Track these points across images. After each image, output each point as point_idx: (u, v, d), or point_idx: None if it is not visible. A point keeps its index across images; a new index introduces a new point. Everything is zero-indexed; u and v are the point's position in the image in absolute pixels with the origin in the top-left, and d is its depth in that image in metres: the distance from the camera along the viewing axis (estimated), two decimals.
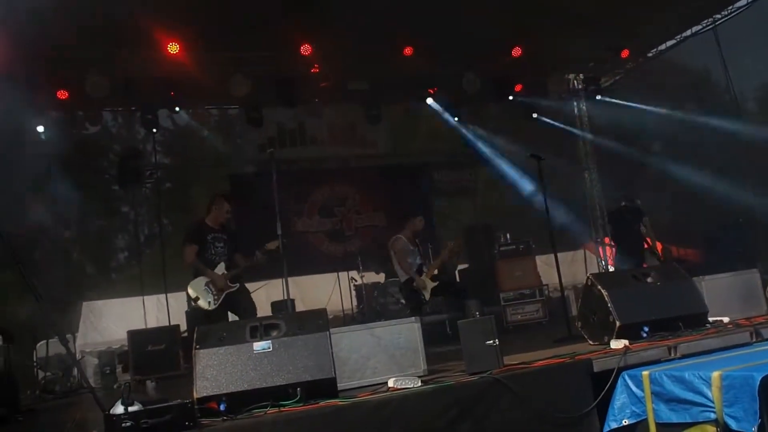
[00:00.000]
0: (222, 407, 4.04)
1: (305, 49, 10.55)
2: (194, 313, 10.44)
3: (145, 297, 11.72)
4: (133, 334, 9.38)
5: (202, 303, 7.56)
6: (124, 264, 13.22)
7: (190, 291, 7.64)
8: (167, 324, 10.65)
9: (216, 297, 7.58)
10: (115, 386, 8.70)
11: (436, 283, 8.95)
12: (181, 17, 9.29)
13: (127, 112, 12.40)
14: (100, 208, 12.67)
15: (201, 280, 7.64)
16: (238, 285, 7.79)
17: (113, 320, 11.87)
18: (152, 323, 11.27)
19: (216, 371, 4.19)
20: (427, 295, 8.89)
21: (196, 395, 4.10)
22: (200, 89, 11.23)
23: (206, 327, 4.49)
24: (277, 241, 7.57)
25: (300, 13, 9.46)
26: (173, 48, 9.90)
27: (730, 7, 11.48)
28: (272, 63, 11.11)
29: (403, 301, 10.70)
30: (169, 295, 11.35)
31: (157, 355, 9.16)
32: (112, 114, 12.48)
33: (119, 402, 3.57)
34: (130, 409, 3.53)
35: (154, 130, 11.83)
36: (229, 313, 7.82)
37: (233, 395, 4.12)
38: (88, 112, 11.45)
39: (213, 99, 12.45)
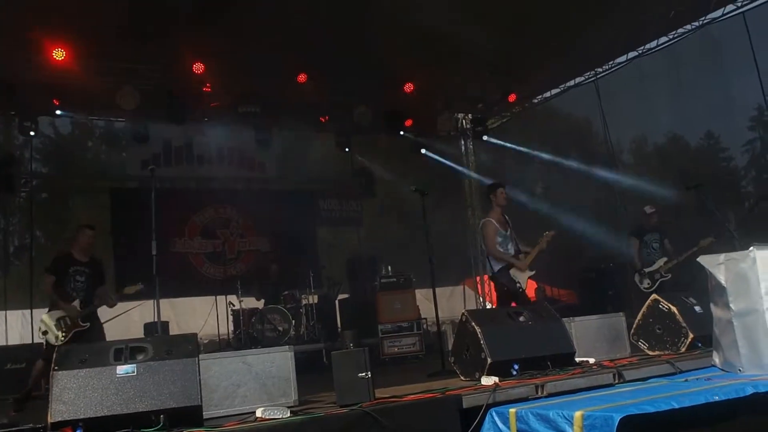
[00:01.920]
0: None
1: (198, 68, 10.38)
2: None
3: (8, 312, 11.08)
4: None
5: (50, 337, 7.37)
6: None
7: (42, 322, 7.48)
8: (30, 341, 10.06)
9: (65, 333, 7.38)
10: None
11: (533, 272, 8.13)
12: (71, 22, 8.96)
13: (5, 116, 11.78)
14: None
15: (54, 314, 7.46)
16: (88, 324, 7.57)
17: None
18: (14, 340, 10.68)
19: (74, 395, 3.98)
20: (524, 284, 8.04)
21: (50, 419, 3.88)
22: (86, 98, 10.83)
23: (68, 347, 4.28)
24: (137, 285, 7.67)
25: (196, 30, 9.33)
26: (59, 54, 9.50)
27: (611, 62, 12.07)
28: (164, 78, 10.86)
29: (280, 328, 10.59)
30: (35, 310, 10.74)
31: (16, 373, 8.67)
32: None
33: None
34: None
35: (32, 134, 11.19)
36: None
37: (91, 421, 3.92)
38: None
39: (99, 110, 11.97)
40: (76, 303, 7.53)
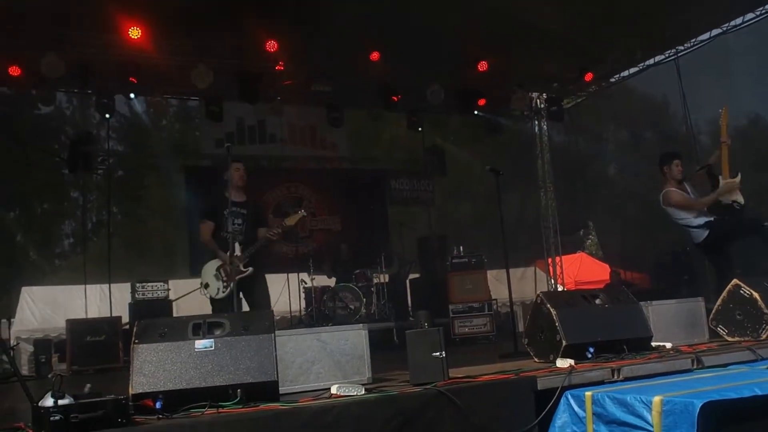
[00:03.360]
0: (158, 405, 3.89)
1: (271, 46, 10.44)
2: (160, 304, 10.31)
3: (88, 286, 11.45)
4: (72, 324, 9.14)
5: (211, 290, 7.01)
6: (68, 251, 12.98)
7: (202, 275, 7.07)
8: (109, 315, 10.38)
9: (225, 284, 6.92)
10: (49, 376, 8.46)
11: (738, 176, 7.46)
12: (146, 1, 9.12)
13: (82, 95, 12.10)
14: (47, 191, 12.37)
15: (213, 264, 7.04)
16: (251, 269, 6.95)
17: (53, 308, 11.59)
18: (93, 313, 11.01)
19: (154, 367, 4.06)
20: (740, 198, 7.41)
21: (131, 391, 3.96)
22: (160, 77, 11.04)
23: (147, 321, 4.35)
24: (298, 215, 7.14)
25: (270, 8, 9.38)
26: (135, 33, 9.68)
27: (693, 40, 11.66)
28: (237, 56, 10.97)
29: (351, 306, 10.67)
30: (112, 285, 11.10)
31: (96, 346, 8.96)
32: (67, 95, 12.20)
33: (49, 394, 3.42)
34: (60, 402, 3.36)
35: (107, 116, 11.49)
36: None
37: (171, 393, 3.99)
38: (42, 92, 11.13)
39: (173, 88, 12.20)
40: (237, 247, 6.90)
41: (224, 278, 6.93)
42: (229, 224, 6.71)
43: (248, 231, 7.10)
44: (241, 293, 6.96)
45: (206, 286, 7.01)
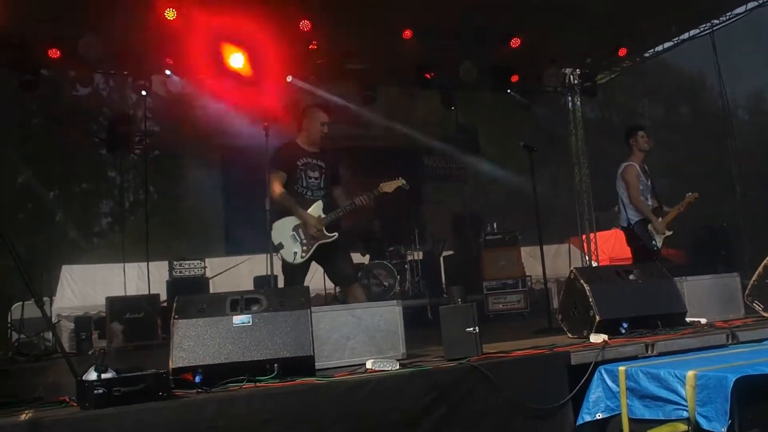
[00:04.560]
0: (197, 379, 4.01)
1: (304, 25, 10.46)
2: (197, 281, 10.32)
3: (127, 264, 11.64)
4: (111, 301, 9.32)
5: (286, 253, 6.01)
6: (106, 230, 13.20)
7: (273, 235, 6.04)
8: (147, 293, 10.57)
9: (305, 248, 6.00)
10: (89, 352, 8.66)
11: (671, 232, 7.76)
12: None
13: (119, 76, 12.24)
14: (86, 171, 12.59)
15: (288, 222, 6.05)
16: (336, 235, 6.13)
17: (92, 286, 11.82)
18: (132, 291, 11.21)
19: (193, 342, 4.17)
20: (660, 243, 7.66)
21: (171, 365, 4.07)
22: (197, 57, 11.10)
23: (186, 297, 4.45)
24: (398, 181, 6.33)
25: None
26: (170, 14, 9.76)
27: (729, 13, 11.41)
28: (270, 36, 10.99)
29: (386, 283, 10.74)
30: (150, 263, 11.28)
31: (136, 323, 9.12)
32: (104, 77, 12.33)
33: (92, 368, 3.54)
34: (103, 376, 3.48)
35: (144, 93, 11.58)
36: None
37: (210, 368, 4.10)
38: (80, 74, 11.27)
39: (209, 69, 12.26)
40: (318, 206, 6.10)
41: (303, 240, 6.01)
42: (304, 178, 6.09)
43: (326, 187, 6.28)
44: (317, 262, 6.26)
45: (279, 247, 6.02)
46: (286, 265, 6.08)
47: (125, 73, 11.74)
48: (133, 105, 12.64)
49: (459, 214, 13.72)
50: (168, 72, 11.24)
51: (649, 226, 7.61)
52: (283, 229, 6.05)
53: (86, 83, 11.51)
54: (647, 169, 7.86)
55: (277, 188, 6.05)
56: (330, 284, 10.97)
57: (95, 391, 3.43)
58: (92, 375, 3.50)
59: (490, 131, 14.51)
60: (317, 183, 6.22)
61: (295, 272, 6.09)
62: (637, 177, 7.66)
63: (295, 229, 6.03)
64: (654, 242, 7.60)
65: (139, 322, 9.16)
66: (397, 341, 5.03)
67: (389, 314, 5.08)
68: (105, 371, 3.51)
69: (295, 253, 6.00)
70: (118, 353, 8.63)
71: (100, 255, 12.43)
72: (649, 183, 7.83)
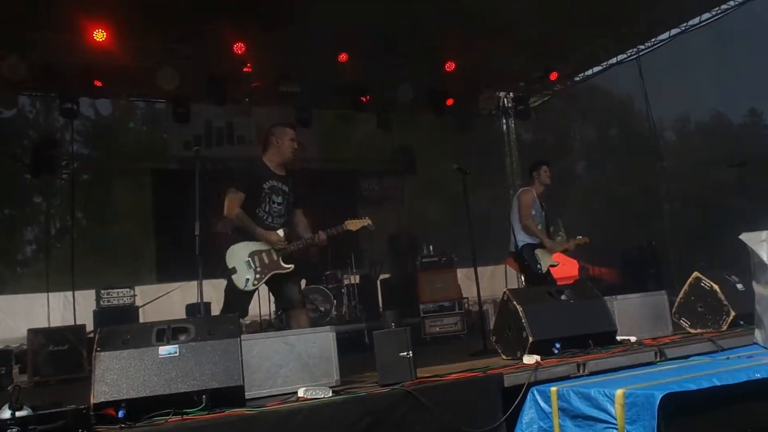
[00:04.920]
0: (121, 414, 3.85)
1: (238, 47, 10.40)
2: (126, 311, 9.99)
3: (51, 294, 11.24)
4: (34, 333, 8.75)
5: (237, 279, 5.72)
6: (30, 258, 12.74)
7: (227, 258, 5.74)
8: (72, 323, 10.19)
9: (258, 275, 5.75)
10: (9, 388, 8.27)
11: (557, 264, 7.94)
12: (110, 3, 9.02)
13: (46, 98, 11.93)
14: (9, 196, 12.15)
15: (245, 247, 5.78)
16: (291, 267, 5.87)
17: (12, 317, 11.37)
18: (57, 322, 10.77)
19: (117, 375, 4.00)
20: (545, 267, 7.78)
21: (93, 400, 3.90)
22: (127, 80, 10.94)
23: (110, 328, 4.30)
24: (364, 220, 6.18)
25: (237, 10, 9.33)
26: (99, 35, 9.57)
27: (654, 39, 11.90)
28: (204, 58, 10.89)
29: (322, 308, 10.64)
30: (77, 292, 10.92)
31: (60, 355, 8.69)
32: (30, 99, 12.00)
33: (6, 406, 3.36)
34: (18, 414, 3.32)
35: (71, 116, 11.29)
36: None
37: (134, 401, 3.94)
38: (4, 95, 10.94)
39: (140, 91, 12.08)
40: (281, 233, 5.83)
41: (258, 268, 5.77)
42: (268, 203, 5.85)
43: (288, 215, 6.02)
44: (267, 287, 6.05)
45: (232, 271, 5.74)
46: (233, 289, 5.79)
47: (52, 95, 11.47)
48: (61, 128, 12.32)
49: (396, 237, 13.72)
50: (95, 97, 11.04)
51: (536, 251, 7.78)
52: (239, 254, 5.79)
53: (10, 105, 11.20)
54: (544, 205, 8.09)
55: (234, 208, 5.76)
56: (265, 310, 10.86)
57: (9, 431, 3.26)
58: (6, 413, 3.32)
59: (427, 153, 14.56)
60: (279, 210, 6.00)
61: (241, 299, 5.85)
62: (532, 201, 7.86)
63: (251, 255, 5.80)
64: (539, 266, 7.76)
65: (64, 355, 8.71)
66: (330, 368, 4.96)
67: (323, 341, 5.01)
68: (20, 409, 3.34)
69: (248, 279, 5.75)
70: (41, 388, 8.27)
71: (24, 285, 11.98)
72: (543, 214, 8.02)
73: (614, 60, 12.67)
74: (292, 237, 5.95)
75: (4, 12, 8.84)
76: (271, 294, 6.39)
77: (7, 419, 3.28)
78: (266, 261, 5.81)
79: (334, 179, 14.35)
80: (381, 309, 12.11)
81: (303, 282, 11.25)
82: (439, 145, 14.60)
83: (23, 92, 11.41)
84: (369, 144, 14.69)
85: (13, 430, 3.25)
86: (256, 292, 6.03)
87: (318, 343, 4.99)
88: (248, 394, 4.32)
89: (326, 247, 11.43)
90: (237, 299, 5.85)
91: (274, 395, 4.60)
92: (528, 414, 4.50)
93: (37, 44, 9.78)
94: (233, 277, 5.75)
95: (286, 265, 5.86)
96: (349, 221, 6.11)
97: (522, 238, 7.87)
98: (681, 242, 11.92)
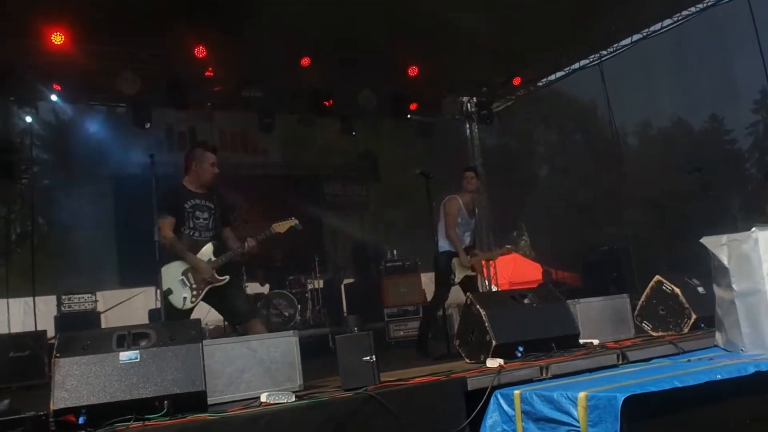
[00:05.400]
0: (81, 420, 3.81)
1: (199, 51, 10.28)
2: (88, 316, 9.82)
3: (11, 300, 11.08)
4: None
5: (175, 299, 5.74)
6: None
7: (162, 279, 5.68)
8: (33, 329, 10.05)
9: (195, 292, 5.80)
10: None
11: (474, 274, 7.96)
12: (69, 6, 8.89)
13: (4, 102, 11.72)
14: None
15: (177, 267, 5.79)
16: (227, 278, 5.94)
17: None
18: (17, 328, 10.61)
19: (77, 381, 3.95)
20: (458, 279, 7.79)
21: (53, 407, 3.85)
22: (87, 84, 10.74)
23: (70, 334, 4.24)
24: (289, 221, 6.19)
25: (198, 14, 9.26)
26: (57, 38, 9.40)
27: (616, 45, 11.91)
28: (165, 62, 10.76)
29: (286, 313, 10.61)
30: (38, 298, 10.77)
31: (21, 362, 8.60)
32: None
33: None
34: None
35: (29, 119, 11.10)
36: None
37: (94, 407, 3.90)
38: None
39: (100, 95, 11.89)
40: (208, 248, 5.93)
41: (193, 285, 5.81)
42: (192, 219, 5.89)
43: (216, 228, 6.08)
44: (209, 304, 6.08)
45: (168, 292, 5.74)
46: (172, 310, 5.74)
47: (11, 99, 11.26)
48: (20, 133, 12.11)
49: (359, 242, 13.74)
50: (54, 97, 10.85)
51: (454, 260, 7.77)
52: (172, 274, 5.79)
53: None
54: (476, 210, 8.12)
55: (167, 233, 5.76)
56: None
57: None
58: None
59: (391, 158, 14.60)
60: (206, 224, 6.02)
61: (181, 319, 5.71)
62: (457, 211, 7.87)
63: (185, 273, 5.81)
64: (453, 276, 7.76)
65: (24, 361, 8.63)
66: (293, 372, 4.95)
67: (285, 345, 5.00)
68: None
69: (185, 298, 5.77)
70: (2, 395, 8.12)
71: None
72: (472, 222, 8.03)
73: (577, 65, 12.69)
74: (222, 251, 5.99)
75: None
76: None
77: None
78: (198, 278, 5.82)
79: (298, 184, 14.32)
80: (345, 313, 12.10)
81: (267, 287, 11.23)
82: (403, 150, 14.64)
83: None
84: (333, 149, 14.69)
85: None
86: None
87: (281, 348, 4.98)
88: (210, 400, 4.30)
89: (291, 250, 11.60)
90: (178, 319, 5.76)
91: (236, 400, 4.60)
92: (491, 417, 4.53)
93: None
94: (170, 297, 5.74)
95: (221, 278, 5.88)
96: (276, 224, 6.17)
97: (443, 245, 7.86)
98: (642, 246, 12.09)
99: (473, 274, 7.90)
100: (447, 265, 7.78)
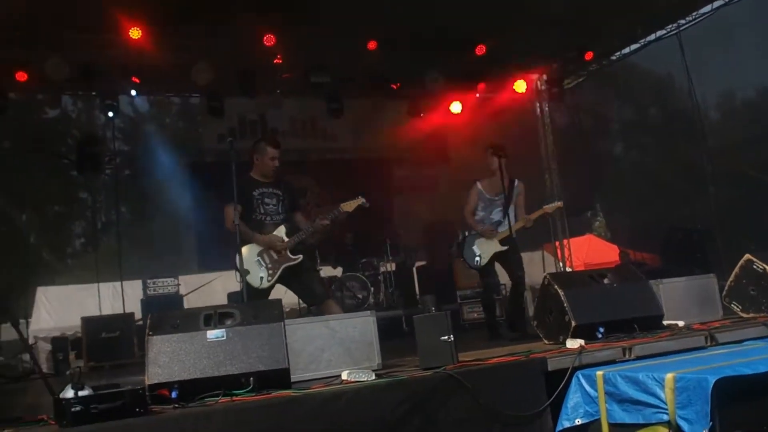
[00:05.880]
0: (174, 395, 3.97)
1: (268, 39, 10.40)
2: (171, 299, 10.16)
3: (101, 284, 11.60)
4: (87, 321, 9.40)
5: (252, 279, 6.01)
6: (80, 250, 13.12)
7: (239, 262, 5.88)
8: (122, 311, 10.52)
9: (271, 272, 6.06)
10: (67, 372, 8.59)
11: (505, 248, 7.56)
12: (144, 1, 9.12)
13: (87, 97, 12.14)
14: (58, 193, 12.48)
15: (252, 248, 6.07)
16: (301, 257, 6.18)
17: (67, 306, 11.77)
18: (107, 311, 11.16)
19: (168, 358, 4.12)
20: (485, 260, 7.61)
21: (147, 382, 4.03)
22: (162, 76, 11.04)
23: (160, 313, 4.41)
24: (357, 200, 6.30)
25: (265, 2, 9.36)
26: (135, 33, 9.67)
27: (695, 13, 11.43)
28: (235, 52, 10.94)
29: (359, 295, 10.69)
30: (125, 282, 11.22)
31: (111, 342, 9.11)
32: (72, 98, 12.23)
33: (69, 386, 3.50)
34: (80, 393, 3.46)
35: (111, 114, 11.45)
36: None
37: (185, 383, 4.06)
38: (48, 96, 11.17)
39: (175, 87, 12.23)
40: (281, 230, 6.18)
41: (269, 265, 6.07)
42: (261, 206, 6.15)
43: (286, 212, 6.34)
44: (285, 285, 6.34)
45: (246, 273, 5.95)
46: (251, 290, 6.01)
47: (93, 93, 11.64)
48: (102, 126, 12.53)
49: (430, 224, 13.71)
50: (133, 92, 11.16)
51: (477, 241, 7.68)
52: (249, 256, 6.04)
53: (54, 105, 11.43)
54: (504, 186, 7.72)
55: (229, 220, 5.98)
56: None
57: (72, 409, 3.39)
58: (69, 393, 3.48)
59: (460, 138, 14.48)
60: (275, 209, 6.27)
61: (260, 298, 6.03)
62: (476, 196, 7.81)
63: (260, 254, 6.09)
64: (477, 258, 7.64)
65: (115, 341, 9.16)
66: (372, 352, 5.00)
67: (363, 325, 5.05)
68: (82, 389, 3.50)
69: (262, 278, 6.05)
70: (97, 372, 8.58)
71: (75, 276, 12.38)
72: (498, 200, 7.78)
73: (653, 36, 12.20)
74: (294, 233, 6.23)
75: (45, 13, 8.98)
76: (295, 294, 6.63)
77: (71, 398, 3.43)
78: (275, 257, 6.10)
79: (367, 168, 14.36)
80: (418, 295, 12.12)
81: (339, 270, 11.35)
82: (472, 130, 14.51)
83: (65, 92, 11.60)
84: (401, 132, 14.67)
85: (77, 408, 3.39)
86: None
87: (359, 328, 5.03)
88: (293, 377, 4.39)
89: (362, 233, 11.66)
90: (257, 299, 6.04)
91: (317, 378, 4.67)
92: (573, 398, 4.44)
93: (76, 44, 9.91)
94: (248, 278, 6.01)
95: (294, 257, 6.14)
96: (344, 203, 6.31)
97: (466, 230, 7.93)
98: (728, 224, 11.63)
99: (504, 248, 7.60)
100: (470, 248, 7.74)
